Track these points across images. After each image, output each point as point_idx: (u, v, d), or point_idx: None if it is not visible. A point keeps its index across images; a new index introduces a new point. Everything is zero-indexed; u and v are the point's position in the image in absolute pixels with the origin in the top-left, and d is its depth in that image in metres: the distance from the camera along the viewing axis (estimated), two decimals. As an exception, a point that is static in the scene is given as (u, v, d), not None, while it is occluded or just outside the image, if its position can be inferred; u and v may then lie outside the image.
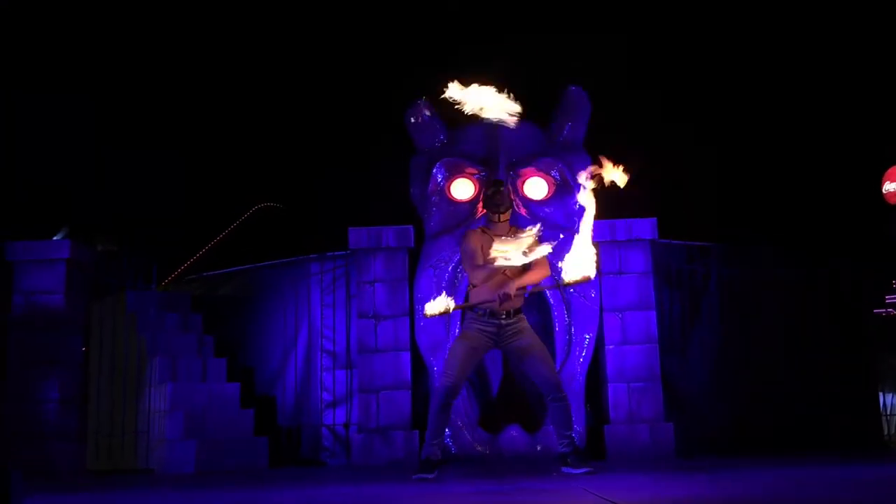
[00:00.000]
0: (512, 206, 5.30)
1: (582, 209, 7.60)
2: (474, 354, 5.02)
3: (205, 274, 9.47)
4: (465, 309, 5.24)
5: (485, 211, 5.28)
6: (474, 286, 5.04)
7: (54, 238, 7.65)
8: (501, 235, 4.98)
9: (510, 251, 4.73)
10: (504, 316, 4.93)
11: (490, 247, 4.85)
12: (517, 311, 5.00)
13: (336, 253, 8.16)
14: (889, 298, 8.50)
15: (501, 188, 5.20)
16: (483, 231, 5.13)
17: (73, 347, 7.54)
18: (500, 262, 4.77)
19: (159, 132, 13.71)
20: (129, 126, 13.48)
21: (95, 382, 8.10)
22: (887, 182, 8.67)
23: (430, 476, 4.89)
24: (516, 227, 5.24)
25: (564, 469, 4.90)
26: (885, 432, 8.69)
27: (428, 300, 7.38)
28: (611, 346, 7.47)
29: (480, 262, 4.93)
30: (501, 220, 5.12)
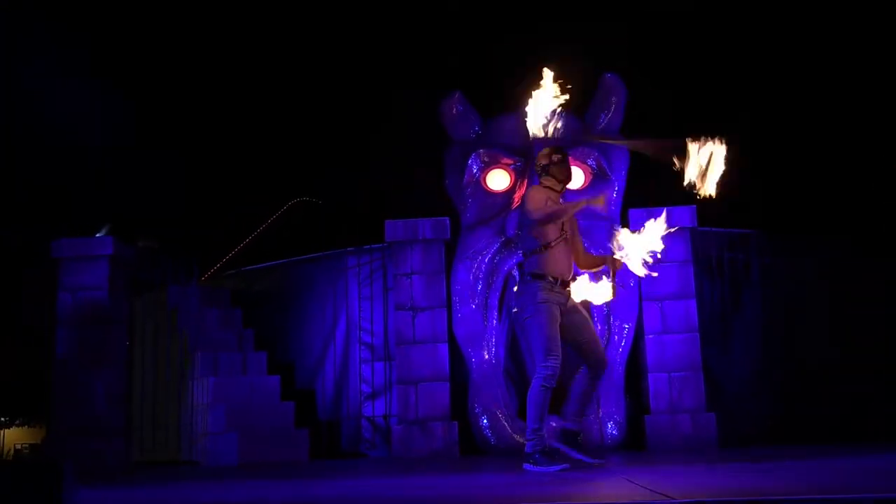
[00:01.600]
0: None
1: (619, 199, 7.57)
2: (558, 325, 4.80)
3: (243, 269, 9.57)
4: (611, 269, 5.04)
5: (547, 181, 5.00)
6: (545, 246, 4.78)
7: (97, 235, 7.75)
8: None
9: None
10: (569, 287, 4.86)
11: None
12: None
13: (373, 246, 8.20)
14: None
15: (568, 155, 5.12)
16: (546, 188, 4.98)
17: (117, 343, 7.67)
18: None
19: (199, 129, 13.86)
20: (168, 123, 13.65)
21: (139, 377, 8.23)
22: None
23: (559, 466, 4.55)
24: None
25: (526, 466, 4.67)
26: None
27: (465, 292, 7.47)
28: (651, 336, 7.40)
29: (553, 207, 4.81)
30: (562, 190, 5.03)
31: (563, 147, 5.14)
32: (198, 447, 7.72)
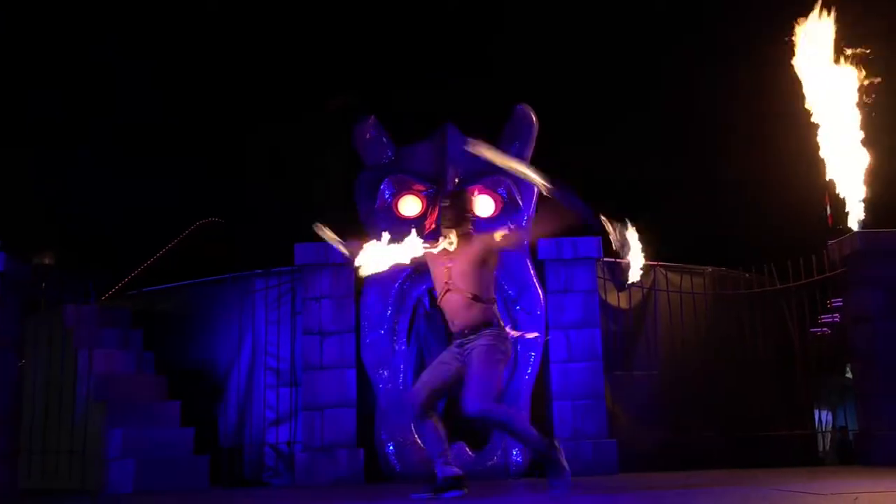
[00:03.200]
0: (461, 223, 5.06)
1: (528, 226, 7.69)
2: (440, 366, 4.90)
3: (146, 289, 9.26)
4: None
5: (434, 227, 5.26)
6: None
7: (-12, 251, 7.38)
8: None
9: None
10: (461, 335, 4.81)
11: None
12: (474, 329, 4.78)
13: (282, 269, 8.08)
14: (824, 318, 8.75)
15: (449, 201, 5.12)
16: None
17: (6, 364, 7.28)
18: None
19: (100, 143, 13.44)
20: (68, 136, 13.19)
21: (30, 400, 7.84)
22: None
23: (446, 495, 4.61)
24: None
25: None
26: (821, 448, 8.91)
27: (374, 317, 7.45)
28: (556, 364, 7.52)
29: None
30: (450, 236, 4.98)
31: (452, 194, 5.33)
32: (92, 474, 7.40)
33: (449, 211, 5.00)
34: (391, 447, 7.21)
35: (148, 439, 7.23)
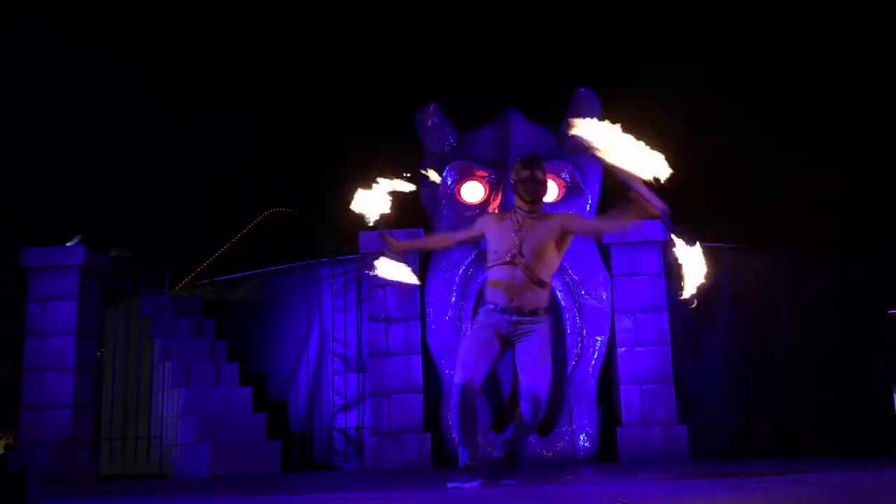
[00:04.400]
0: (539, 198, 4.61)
1: (592, 212, 7.61)
2: (487, 349, 4.49)
3: (217, 279, 9.50)
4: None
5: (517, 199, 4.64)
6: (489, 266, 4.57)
7: (68, 244, 7.67)
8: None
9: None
10: (517, 312, 4.42)
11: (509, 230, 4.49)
12: (535, 311, 4.45)
13: (347, 257, 8.18)
14: (904, 299, 8.44)
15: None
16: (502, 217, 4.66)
17: (87, 353, 7.58)
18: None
19: (170, 138, 13.78)
20: (142, 132, 13.56)
21: (109, 388, 8.14)
22: None
23: (467, 484, 4.36)
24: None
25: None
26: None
27: (439, 304, 7.48)
28: (623, 349, 7.44)
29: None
30: (530, 210, 4.55)
31: (532, 160, 4.68)
32: (168, 459, 7.65)
33: (530, 184, 4.54)
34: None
35: (222, 425, 7.43)
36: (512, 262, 4.46)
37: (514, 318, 4.43)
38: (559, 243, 4.54)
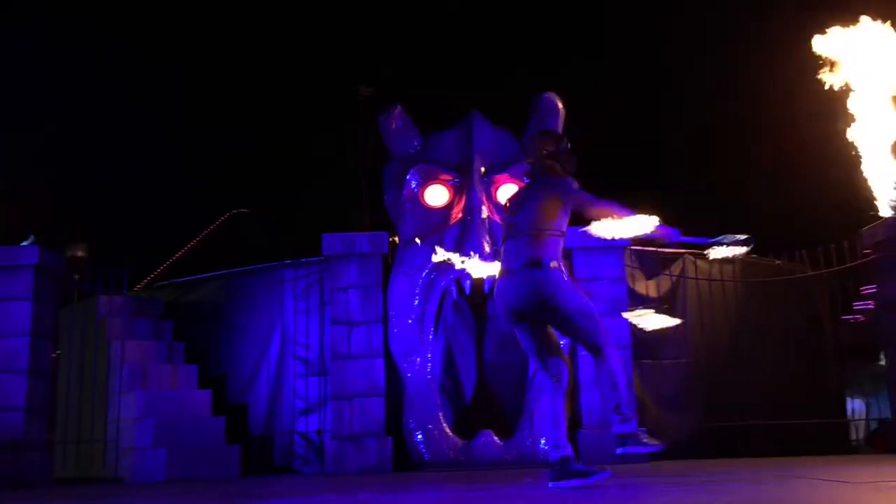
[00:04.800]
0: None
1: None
2: None
3: (176, 280, 9.38)
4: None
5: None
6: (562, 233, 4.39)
7: (22, 244, 7.51)
8: None
9: None
10: None
11: None
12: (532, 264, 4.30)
13: (309, 259, 8.14)
14: (857, 305, 8.63)
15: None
16: None
17: (41, 355, 7.41)
18: None
19: (132, 138, 13.59)
20: (103, 132, 13.36)
21: (64, 390, 7.99)
22: None
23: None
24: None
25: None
26: (853, 437, 8.80)
27: (402, 307, 7.47)
28: (584, 352, 7.48)
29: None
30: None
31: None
32: (124, 463, 7.52)
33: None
34: (419, 436, 7.24)
35: (180, 428, 7.33)
36: None
37: None
38: None
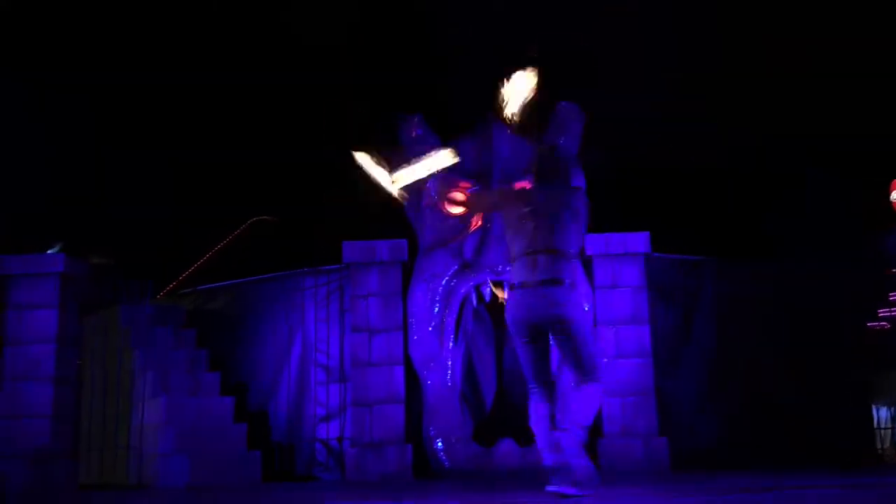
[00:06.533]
0: None
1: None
2: None
3: (199, 288, 9.45)
4: None
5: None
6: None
7: (48, 252, 7.61)
8: None
9: None
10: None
11: None
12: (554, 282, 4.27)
13: (330, 267, 8.17)
14: (882, 312, 8.50)
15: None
16: None
17: (66, 362, 7.51)
18: None
19: (154, 146, 13.71)
20: (125, 139, 13.49)
21: (88, 397, 8.08)
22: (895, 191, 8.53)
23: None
24: None
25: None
26: (879, 446, 8.68)
27: (422, 314, 7.49)
28: (605, 360, 7.46)
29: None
30: None
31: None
32: (147, 469, 7.59)
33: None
34: (439, 444, 7.24)
35: (202, 435, 7.38)
36: None
37: None
38: None
